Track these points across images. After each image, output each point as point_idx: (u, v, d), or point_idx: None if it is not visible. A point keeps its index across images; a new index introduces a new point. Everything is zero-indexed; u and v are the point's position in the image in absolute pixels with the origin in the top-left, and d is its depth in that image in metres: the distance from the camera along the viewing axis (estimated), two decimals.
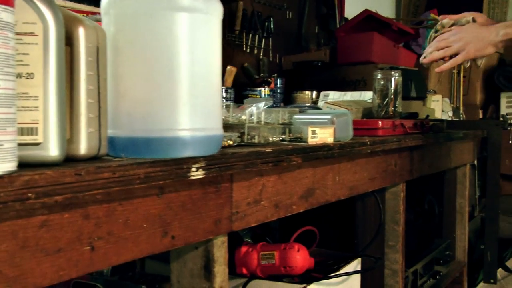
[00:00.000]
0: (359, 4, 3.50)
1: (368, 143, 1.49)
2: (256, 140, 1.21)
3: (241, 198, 1.13)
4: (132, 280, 1.75)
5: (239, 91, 2.31)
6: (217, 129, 0.98)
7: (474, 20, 1.64)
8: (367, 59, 2.41)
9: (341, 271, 1.67)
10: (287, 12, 2.77)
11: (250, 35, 2.48)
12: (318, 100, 2.30)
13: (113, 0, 0.93)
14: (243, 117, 1.24)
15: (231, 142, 1.16)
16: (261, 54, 2.55)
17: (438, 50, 1.65)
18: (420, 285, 2.21)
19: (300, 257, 1.51)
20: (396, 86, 1.94)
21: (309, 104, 2.10)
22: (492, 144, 2.61)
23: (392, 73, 1.95)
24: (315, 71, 2.54)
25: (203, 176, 0.95)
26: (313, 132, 1.28)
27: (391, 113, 1.94)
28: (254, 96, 2.24)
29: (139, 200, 0.90)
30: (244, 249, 1.56)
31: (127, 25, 0.92)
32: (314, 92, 2.37)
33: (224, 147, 1.14)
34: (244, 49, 2.46)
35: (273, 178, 1.21)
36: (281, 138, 1.32)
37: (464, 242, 2.72)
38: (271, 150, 1.11)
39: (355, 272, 1.70)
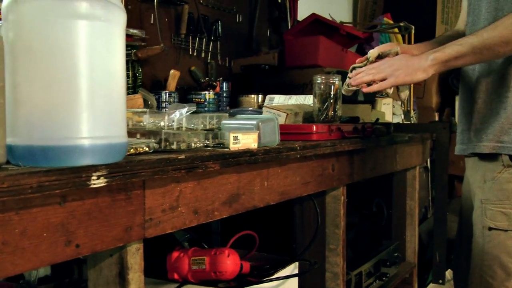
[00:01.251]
0: (315, 8, 3.52)
1: (298, 148, 1.49)
2: (174, 147, 1.21)
3: (156, 205, 1.12)
4: (67, 287, 1.74)
5: (184, 95, 2.30)
6: (120, 137, 0.98)
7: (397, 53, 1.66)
8: (314, 62, 2.42)
9: (277, 275, 1.68)
10: (237, 16, 2.76)
11: (197, 38, 2.47)
12: (264, 104, 2.30)
13: (11, 7, 0.92)
14: (162, 123, 1.23)
15: (147, 149, 1.15)
16: (209, 57, 2.54)
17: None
18: (366, 287, 2.22)
19: (230, 262, 1.51)
20: (336, 90, 1.95)
21: (252, 108, 2.10)
22: (440, 146, 2.62)
23: (332, 77, 1.96)
24: (263, 74, 2.55)
25: (105, 184, 0.94)
26: (235, 138, 1.28)
27: (331, 117, 1.95)
28: (198, 100, 2.23)
29: (38, 209, 0.89)
30: (175, 254, 1.56)
31: (25, 32, 0.91)
32: (260, 96, 2.37)
33: (138, 153, 1.13)
34: (191, 52, 2.45)
35: (192, 185, 1.20)
36: (205, 144, 1.31)
37: (414, 243, 2.75)
38: (184, 156, 1.11)
39: (291, 276, 1.70)
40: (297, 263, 1.79)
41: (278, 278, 1.67)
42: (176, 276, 1.55)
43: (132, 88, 2.17)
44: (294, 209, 1.90)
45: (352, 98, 2.49)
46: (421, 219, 3.20)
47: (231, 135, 1.27)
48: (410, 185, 2.71)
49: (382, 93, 3.09)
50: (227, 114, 1.51)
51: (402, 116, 2.99)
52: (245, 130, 1.37)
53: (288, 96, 2.25)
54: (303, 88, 2.44)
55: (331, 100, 1.94)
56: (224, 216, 1.31)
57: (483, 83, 1.57)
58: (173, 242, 1.72)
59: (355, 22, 3.85)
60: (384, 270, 2.40)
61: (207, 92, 2.25)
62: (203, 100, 2.23)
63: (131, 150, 1.12)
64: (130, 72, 2.17)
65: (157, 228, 1.13)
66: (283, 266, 1.73)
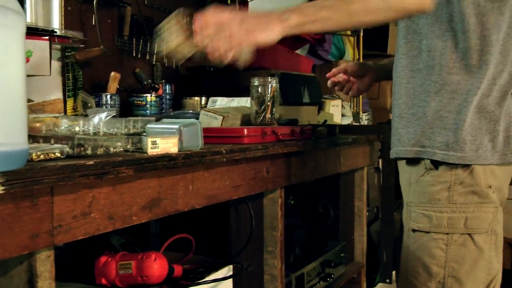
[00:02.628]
0: (270, 8, 3.52)
1: (224, 151, 1.49)
2: (89, 152, 1.20)
3: (66, 211, 1.11)
4: None
5: (126, 97, 2.29)
6: (20, 144, 0.97)
7: None
8: (260, 64, 2.42)
9: (209, 278, 1.68)
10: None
11: (141, 40, 2.46)
12: (207, 106, 2.30)
13: None
14: (77, 128, 1.22)
15: (59, 155, 1.14)
16: (154, 59, 2.53)
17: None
18: None
19: (157, 266, 1.50)
20: (273, 93, 1.96)
21: (192, 111, 2.09)
22: (387, 147, 2.64)
23: (269, 79, 1.96)
24: (209, 76, 2.54)
25: (3, 191, 0.93)
26: (153, 143, 1.27)
27: (268, 119, 1.95)
28: (140, 102, 2.22)
29: None
30: (103, 259, 1.55)
31: None
32: (203, 98, 2.37)
33: (49, 159, 1.12)
34: (134, 54, 2.43)
35: (106, 190, 1.20)
36: (125, 149, 1.31)
37: (363, 243, 2.77)
38: (93, 162, 1.10)
39: (223, 279, 1.70)
40: (231, 266, 1.79)
41: (210, 281, 1.67)
42: (104, 281, 1.54)
43: (72, 90, 2.16)
44: (229, 212, 1.90)
45: (298, 100, 2.51)
46: (373, 219, 3.22)
47: (149, 140, 1.27)
48: (358, 186, 2.73)
49: (333, 95, 3.12)
50: (154, 118, 1.50)
51: (352, 117, 3.01)
52: (167, 134, 1.37)
53: (230, 99, 2.26)
54: (249, 90, 2.44)
55: (268, 103, 1.94)
56: (144, 221, 1.31)
57: (405, 87, 1.58)
58: (108, 247, 1.71)
59: None
60: (329, 271, 2.42)
61: (148, 95, 2.24)
62: (144, 103, 2.22)
63: (41, 156, 1.11)
64: (70, 74, 2.15)
65: (67, 235, 1.12)
66: (217, 269, 1.73)
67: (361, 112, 2.95)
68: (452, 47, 1.46)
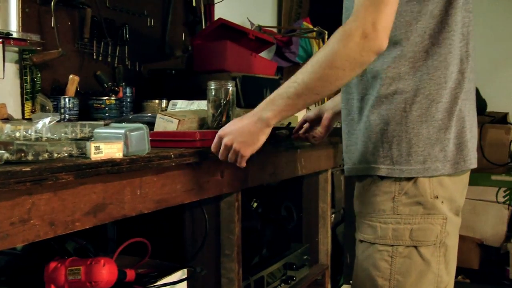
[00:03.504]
0: (239, 10, 3.53)
1: (173, 156, 1.49)
2: (30, 158, 1.19)
3: (3, 218, 1.10)
4: None
5: (85, 100, 2.28)
6: None
7: None
8: (221, 67, 2.42)
9: (162, 282, 1.68)
10: (149, 19, 2.75)
11: (102, 43, 2.45)
12: (167, 109, 2.30)
13: None
14: (17, 134, 1.21)
15: None
16: (116, 62, 2.52)
17: None
18: None
19: (105, 272, 1.50)
20: (230, 96, 1.96)
21: (151, 114, 2.08)
22: None
23: (225, 83, 1.96)
24: (171, 79, 2.54)
25: None
26: (97, 148, 1.27)
27: (225, 123, 1.95)
28: (99, 105, 2.21)
29: None
30: (53, 265, 1.54)
31: None
32: (164, 101, 2.36)
33: None
34: (95, 57, 2.42)
35: (47, 196, 1.19)
36: (70, 154, 1.30)
37: (327, 245, 2.78)
38: (29, 169, 1.10)
39: (176, 282, 1.70)
40: (185, 270, 1.79)
41: (162, 285, 1.67)
42: (53, 287, 1.53)
43: (30, 93, 2.15)
44: (184, 216, 1.90)
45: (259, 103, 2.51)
46: (339, 221, 3.24)
47: (92, 145, 1.26)
48: (322, 188, 2.73)
49: None
50: (103, 123, 1.50)
51: None
52: (114, 139, 1.36)
53: (190, 102, 2.25)
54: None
55: (225, 106, 1.94)
56: (88, 227, 1.30)
57: (347, 104, 1.58)
58: (62, 252, 1.70)
59: (277, 26, 3.87)
60: (291, 273, 2.42)
61: (107, 98, 2.23)
62: (103, 106, 2.21)
63: None
64: (28, 77, 2.14)
65: (4, 242, 1.11)
66: (170, 273, 1.73)
67: None
68: (396, 56, 1.44)
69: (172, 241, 2.01)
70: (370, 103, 1.48)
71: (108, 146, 1.30)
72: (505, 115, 4.34)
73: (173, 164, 1.49)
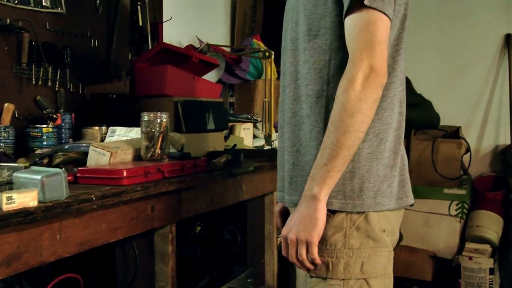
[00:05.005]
0: (188, 29, 3.52)
1: (94, 198, 1.48)
2: None
3: None
4: None
5: (22, 128, 2.24)
6: None
7: None
8: (162, 92, 2.41)
9: None
10: (92, 40, 2.72)
11: (41, 67, 2.41)
12: (106, 136, 2.28)
13: None
14: None
15: None
16: (57, 86, 2.49)
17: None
18: None
19: None
20: (163, 128, 1.95)
21: (86, 144, 2.06)
22: None
23: (159, 114, 1.95)
24: (113, 103, 2.52)
25: None
26: (9, 198, 1.25)
27: (158, 155, 1.94)
28: (35, 134, 2.18)
29: None
30: None
31: None
32: (104, 128, 2.34)
33: None
34: (34, 82, 2.39)
35: None
36: None
37: (273, 266, 2.78)
38: None
39: None
40: None
41: None
42: None
43: None
44: (115, 251, 1.89)
45: (202, 127, 2.51)
46: None
47: (4, 196, 1.24)
48: (268, 209, 2.74)
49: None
50: (23, 165, 1.48)
51: (264, 140, 3.02)
52: (31, 185, 1.35)
53: (129, 128, 2.24)
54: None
55: (158, 138, 1.94)
56: (1, 278, 1.28)
57: (292, 134, 1.58)
58: None
59: (226, 45, 3.85)
60: None
61: (44, 126, 2.20)
62: (40, 134, 2.18)
63: None
64: None
65: None
66: None
67: (273, 135, 2.97)
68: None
69: (105, 275, 1.99)
70: (322, 137, 1.50)
71: (21, 196, 1.28)
72: (458, 129, 4.39)
73: (94, 206, 1.48)
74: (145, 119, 1.94)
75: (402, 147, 1.55)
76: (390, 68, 1.47)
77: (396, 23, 1.49)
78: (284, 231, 1.47)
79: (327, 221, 1.47)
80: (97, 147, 1.89)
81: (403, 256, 4.24)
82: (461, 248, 4.16)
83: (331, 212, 1.47)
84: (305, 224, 1.42)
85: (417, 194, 4.16)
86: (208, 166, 2.10)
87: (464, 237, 4.17)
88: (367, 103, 1.37)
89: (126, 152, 1.95)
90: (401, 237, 3.70)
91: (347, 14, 1.39)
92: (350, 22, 1.39)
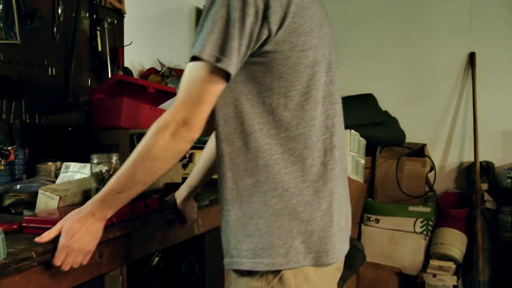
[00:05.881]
0: (150, 52, 3.50)
1: (34, 255, 1.46)
2: None
3: None
4: None
5: None
6: None
7: None
8: (118, 124, 2.40)
9: None
10: (50, 69, 2.69)
11: None
12: (60, 172, 2.26)
13: None
14: None
15: None
16: (12, 118, 2.46)
17: None
18: None
19: None
20: (113, 169, 1.93)
21: (36, 184, 2.04)
22: None
23: (109, 156, 1.94)
24: (70, 135, 2.50)
25: None
26: None
27: None
28: None
29: None
30: None
31: None
32: (58, 163, 2.32)
33: None
34: None
35: None
36: None
37: None
38: None
39: None
40: None
41: None
42: None
43: None
44: None
45: None
46: None
47: None
48: None
49: None
50: None
51: None
52: None
53: (83, 165, 2.22)
54: (110, 150, 2.41)
55: (108, 179, 1.92)
56: None
57: (218, 192, 1.59)
58: None
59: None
60: None
61: None
62: None
63: None
64: None
65: None
66: None
67: None
68: (241, 149, 1.46)
69: None
70: (232, 195, 1.49)
71: None
72: (423, 146, 4.43)
73: (35, 263, 1.46)
74: (95, 161, 1.92)
75: (331, 202, 1.49)
76: (298, 119, 1.44)
77: (304, 70, 1.44)
78: (65, 241, 1.49)
79: (244, 280, 1.48)
80: (46, 191, 1.87)
81: (369, 273, 4.27)
82: (425, 265, 4.20)
83: (248, 273, 1.47)
84: (92, 237, 1.52)
85: (382, 212, 4.25)
86: (160, 204, 2.09)
87: (429, 254, 4.21)
88: (171, 153, 1.42)
89: (76, 194, 1.93)
90: (364, 258, 3.73)
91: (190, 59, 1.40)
92: (191, 69, 1.40)
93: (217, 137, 1.51)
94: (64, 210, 1.80)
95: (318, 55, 1.48)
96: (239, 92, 1.45)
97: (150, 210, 2.01)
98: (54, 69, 2.72)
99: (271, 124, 1.44)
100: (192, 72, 1.39)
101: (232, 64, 1.36)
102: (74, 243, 1.49)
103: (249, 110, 1.44)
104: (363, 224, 4.29)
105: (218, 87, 1.38)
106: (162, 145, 1.39)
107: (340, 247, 1.54)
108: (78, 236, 1.49)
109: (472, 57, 4.42)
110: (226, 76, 1.37)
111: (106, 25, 3.01)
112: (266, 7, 1.36)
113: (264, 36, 1.38)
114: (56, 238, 1.51)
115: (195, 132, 1.40)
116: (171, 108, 1.40)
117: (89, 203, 1.53)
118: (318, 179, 1.47)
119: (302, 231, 1.45)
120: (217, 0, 1.37)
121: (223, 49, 1.34)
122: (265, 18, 1.37)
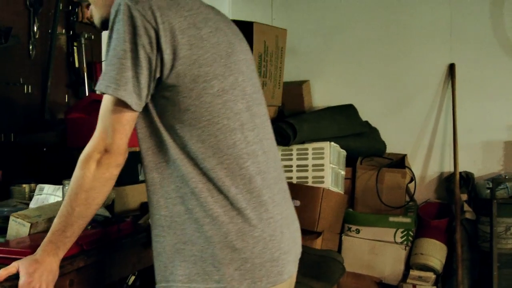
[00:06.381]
0: None
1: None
2: None
3: None
4: None
5: None
6: None
7: None
8: None
9: None
10: (26, 87, 2.68)
11: None
12: (34, 194, 2.25)
13: None
14: None
15: None
16: None
17: None
18: None
19: None
20: None
21: (8, 209, 2.03)
22: None
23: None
24: (45, 155, 2.49)
25: None
26: None
27: None
28: None
29: None
30: None
31: None
32: (32, 185, 2.31)
33: None
34: None
35: None
36: None
37: None
38: None
39: None
40: None
41: None
42: None
43: None
44: None
45: (134, 179, 2.49)
46: None
47: None
48: None
49: None
50: None
51: None
52: None
53: (57, 186, 2.21)
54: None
55: None
56: None
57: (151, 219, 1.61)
58: None
59: None
60: None
61: None
62: None
63: None
64: None
65: None
66: None
67: None
68: (171, 176, 1.49)
69: None
70: (167, 222, 1.52)
71: None
72: (404, 156, 4.44)
73: None
74: (67, 187, 1.92)
75: (263, 228, 1.51)
76: (214, 149, 1.47)
77: (212, 100, 1.48)
78: (26, 279, 1.47)
79: None
80: (17, 217, 1.86)
81: (349, 283, 4.28)
82: (406, 275, 4.21)
83: None
84: (53, 276, 1.52)
85: (363, 222, 4.26)
86: (133, 227, 2.08)
87: (409, 264, 4.22)
88: (100, 181, 1.46)
89: (48, 220, 1.92)
90: (343, 270, 3.74)
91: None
92: (103, 101, 1.47)
93: (146, 167, 1.55)
94: (35, 238, 1.80)
95: (226, 84, 1.51)
96: (158, 124, 1.50)
97: (123, 234, 2.01)
98: (30, 87, 2.72)
99: (190, 156, 1.47)
100: (103, 103, 1.47)
101: (129, 93, 1.41)
102: (37, 282, 1.48)
103: (169, 141, 1.49)
104: (343, 234, 4.30)
105: (126, 115, 1.45)
106: (90, 176, 1.45)
107: (282, 271, 1.54)
108: (39, 274, 1.48)
109: (452, 68, 4.43)
110: (128, 105, 1.42)
111: (83, 41, 3.00)
112: (157, 36, 1.41)
113: (161, 63, 1.43)
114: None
115: (119, 157, 1.47)
116: (91, 140, 1.47)
117: (41, 246, 1.53)
118: (246, 206, 1.49)
119: (235, 259, 1.46)
120: (114, 34, 1.42)
121: (117, 80, 1.40)
122: (159, 46, 1.41)
